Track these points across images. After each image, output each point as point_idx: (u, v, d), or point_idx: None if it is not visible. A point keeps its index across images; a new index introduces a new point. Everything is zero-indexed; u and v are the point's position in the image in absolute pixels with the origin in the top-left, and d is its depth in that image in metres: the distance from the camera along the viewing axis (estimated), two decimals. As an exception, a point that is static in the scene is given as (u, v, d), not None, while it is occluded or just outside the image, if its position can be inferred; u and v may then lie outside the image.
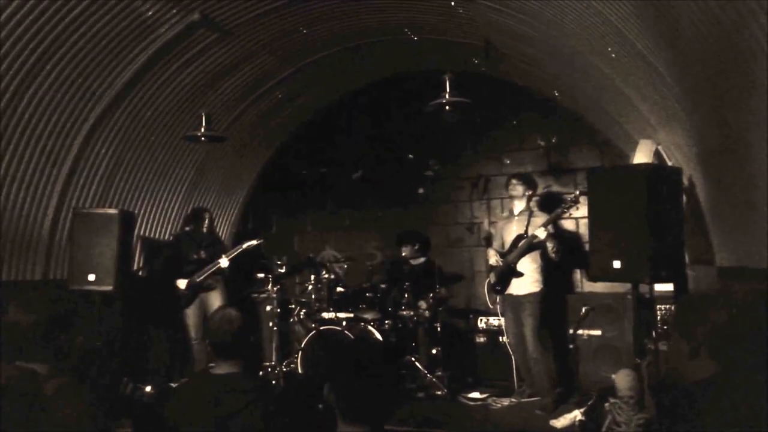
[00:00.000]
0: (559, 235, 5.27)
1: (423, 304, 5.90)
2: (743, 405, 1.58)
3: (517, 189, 5.32)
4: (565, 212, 5.07)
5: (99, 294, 4.83)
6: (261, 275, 6.20)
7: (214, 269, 5.57)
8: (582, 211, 5.80)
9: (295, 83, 6.63)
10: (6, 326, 2.17)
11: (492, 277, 5.30)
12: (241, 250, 5.59)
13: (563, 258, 5.17)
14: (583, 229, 6.19)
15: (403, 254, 6.33)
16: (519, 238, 5.17)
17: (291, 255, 7.00)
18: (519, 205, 5.36)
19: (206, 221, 5.94)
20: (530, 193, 5.41)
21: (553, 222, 5.08)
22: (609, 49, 4.36)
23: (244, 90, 6.23)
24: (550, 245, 5.03)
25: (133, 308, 5.76)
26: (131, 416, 4.19)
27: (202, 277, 5.60)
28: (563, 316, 5.68)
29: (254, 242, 5.61)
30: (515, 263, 5.15)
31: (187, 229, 6.05)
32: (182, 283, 5.65)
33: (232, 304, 2.74)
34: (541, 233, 4.97)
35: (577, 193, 5.07)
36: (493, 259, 5.30)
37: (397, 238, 6.50)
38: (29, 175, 4.78)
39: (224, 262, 5.54)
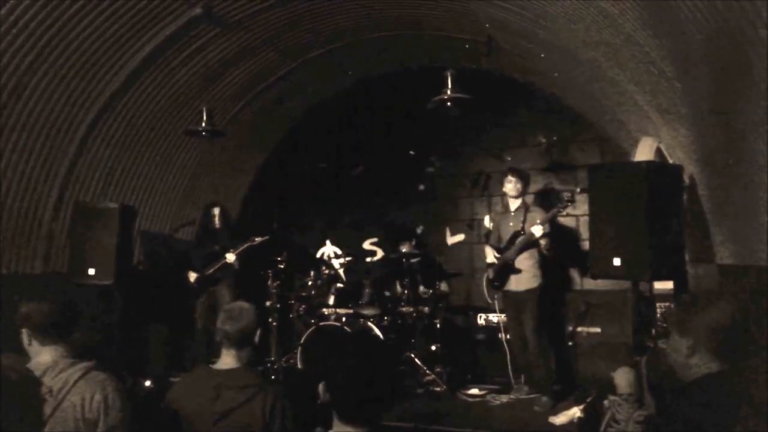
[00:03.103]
0: (553, 232, 5.28)
1: (422, 290, 5.92)
2: (743, 403, 1.58)
3: (514, 184, 5.32)
4: (561, 212, 5.09)
5: (99, 288, 4.83)
6: (262, 271, 6.21)
7: (221, 264, 5.61)
8: (582, 208, 5.81)
9: (296, 79, 6.62)
10: (25, 313, 2.18)
11: (490, 273, 5.31)
12: (248, 245, 5.61)
13: (562, 255, 5.18)
14: (583, 227, 6.19)
15: (403, 250, 6.34)
16: (516, 234, 5.18)
17: (291, 251, 7.00)
18: (515, 201, 5.37)
19: (216, 215, 5.95)
20: (522, 187, 5.40)
21: (550, 221, 5.09)
22: (611, 46, 4.35)
23: (246, 85, 6.22)
24: (543, 242, 5.05)
25: (133, 302, 5.76)
26: (132, 410, 4.19)
27: (210, 271, 5.65)
28: (562, 313, 5.68)
29: (261, 238, 5.64)
30: (513, 260, 5.15)
31: (200, 223, 6.09)
32: (192, 276, 5.69)
33: (243, 298, 2.76)
34: (538, 231, 4.98)
35: (577, 191, 5.09)
36: (491, 256, 5.31)
37: (395, 235, 6.52)
38: (30, 169, 4.78)
39: (231, 257, 5.58)
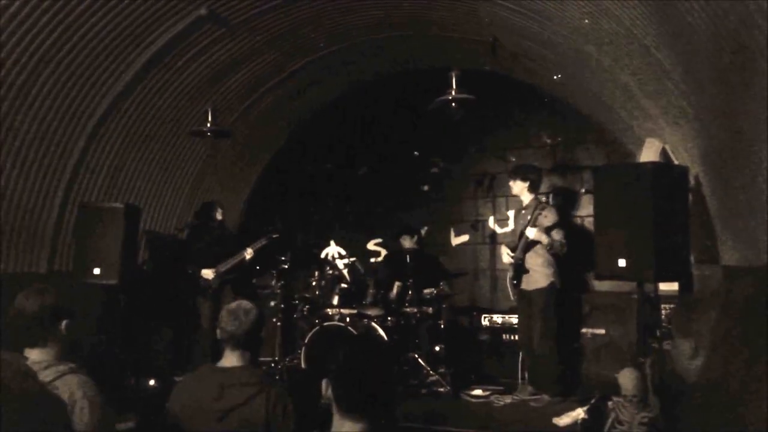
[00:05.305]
0: (563, 229, 5.25)
1: (426, 294, 5.92)
2: (743, 404, 1.57)
3: (520, 186, 5.33)
4: (542, 213, 5.07)
5: (104, 287, 4.84)
6: (263, 270, 6.23)
7: (238, 260, 5.56)
8: (587, 209, 5.79)
9: (300, 79, 6.63)
10: (12, 313, 2.18)
11: (511, 272, 5.32)
12: (266, 241, 5.60)
13: (573, 257, 5.16)
14: (589, 228, 6.16)
15: (406, 246, 6.33)
16: (522, 233, 5.20)
17: (295, 251, 7.00)
18: (525, 198, 5.36)
19: (217, 214, 5.95)
20: (528, 184, 5.36)
21: (536, 220, 5.06)
22: (616, 46, 4.34)
23: (250, 85, 6.23)
24: (545, 242, 5.04)
25: (138, 302, 5.77)
26: (136, 410, 4.21)
27: (226, 268, 5.62)
28: (573, 314, 5.64)
29: (275, 235, 5.64)
30: (521, 259, 5.17)
31: (196, 222, 6.07)
32: (208, 273, 5.61)
33: (244, 297, 2.76)
34: (531, 233, 5.02)
35: (582, 191, 5.11)
36: (505, 256, 5.31)
37: (396, 232, 6.53)
38: (36, 169, 4.80)
39: (249, 252, 5.54)
